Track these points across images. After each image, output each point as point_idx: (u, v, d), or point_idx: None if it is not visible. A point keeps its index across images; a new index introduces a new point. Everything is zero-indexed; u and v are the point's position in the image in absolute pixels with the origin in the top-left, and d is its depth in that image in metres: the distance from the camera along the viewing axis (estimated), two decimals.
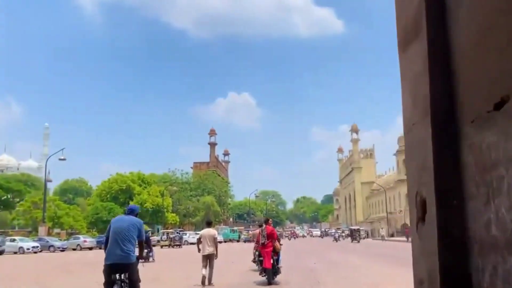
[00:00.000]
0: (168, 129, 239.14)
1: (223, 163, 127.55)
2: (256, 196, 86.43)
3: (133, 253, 7.42)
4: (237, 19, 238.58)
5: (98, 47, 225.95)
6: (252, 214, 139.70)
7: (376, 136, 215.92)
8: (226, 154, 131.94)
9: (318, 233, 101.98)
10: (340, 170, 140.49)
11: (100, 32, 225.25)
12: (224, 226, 77.68)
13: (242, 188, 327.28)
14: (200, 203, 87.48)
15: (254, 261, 15.45)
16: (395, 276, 14.68)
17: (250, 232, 73.85)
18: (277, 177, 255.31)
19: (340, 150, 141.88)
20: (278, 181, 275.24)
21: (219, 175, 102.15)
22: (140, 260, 7.88)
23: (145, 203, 74.88)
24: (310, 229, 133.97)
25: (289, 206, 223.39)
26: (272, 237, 13.39)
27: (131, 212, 8.01)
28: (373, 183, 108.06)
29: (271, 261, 13.10)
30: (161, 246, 49.82)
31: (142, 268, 7.95)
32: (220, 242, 59.38)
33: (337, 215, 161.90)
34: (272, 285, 13.05)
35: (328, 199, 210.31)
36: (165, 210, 77.83)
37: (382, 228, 64.13)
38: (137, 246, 7.77)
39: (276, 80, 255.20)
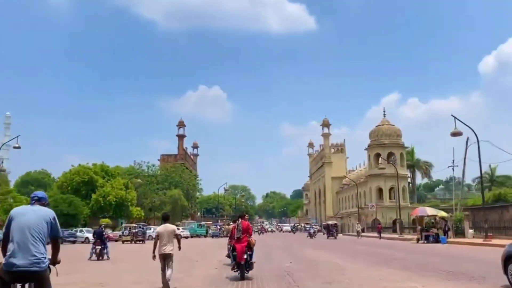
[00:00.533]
0: (136, 122, 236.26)
1: (192, 156, 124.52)
2: (226, 190, 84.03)
3: (45, 258, 5.20)
4: (209, 12, 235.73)
5: (63, 36, 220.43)
6: (221, 208, 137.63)
7: (345, 133, 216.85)
8: (195, 147, 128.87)
9: (289, 228, 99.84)
10: (310, 165, 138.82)
11: (66, 20, 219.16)
12: (191, 221, 74.95)
13: (211, 183, 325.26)
14: (167, 197, 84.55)
15: (228, 256, 15.22)
16: (389, 281, 12.36)
17: (219, 227, 71.86)
18: (246, 172, 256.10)
19: (310, 145, 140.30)
20: (248, 176, 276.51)
21: (187, 168, 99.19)
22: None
23: (108, 196, 71.73)
24: (279, 224, 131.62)
25: (259, 201, 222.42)
26: (247, 231, 13.31)
27: (39, 201, 5.60)
28: (343, 178, 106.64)
29: (245, 256, 12.98)
30: (123, 242, 46.94)
31: (94, 267, 5.43)
32: (187, 237, 57.25)
33: (307, 210, 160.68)
34: (245, 280, 12.86)
35: (298, 194, 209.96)
36: (129, 203, 74.66)
37: (358, 224, 62.28)
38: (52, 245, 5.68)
39: (248, 75, 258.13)
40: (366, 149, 78.92)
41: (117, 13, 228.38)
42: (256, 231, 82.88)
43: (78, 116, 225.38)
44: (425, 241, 35.96)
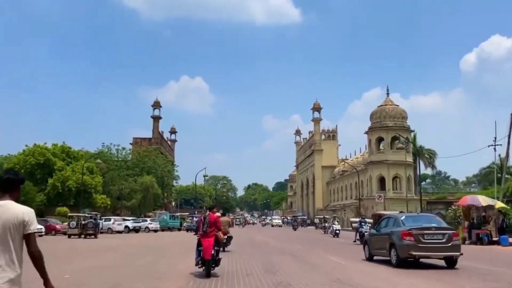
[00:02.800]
0: (113, 110, 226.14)
1: (169, 142, 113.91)
2: (205, 177, 73.84)
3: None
4: (192, 2, 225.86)
5: (43, 23, 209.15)
6: (200, 199, 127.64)
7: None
8: (173, 132, 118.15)
9: (279, 221, 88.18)
10: (297, 154, 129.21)
11: (46, 7, 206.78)
12: (163, 212, 64.61)
13: (191, 174, 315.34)
14: (137, 184, 74.07)
15: (197, 264, 12.91)
16: None
17: (196, 219, 62.05)
18: (228, 164, 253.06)
19: (297, 132, 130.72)
20: (229, 168, 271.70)
21: (162, 153, 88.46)
22: None
23: (68, 181, 61.23)
24: (264, 217, 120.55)
25: (240, 193, 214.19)
26: (215, 225, 12.31)
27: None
28: (335, 167, 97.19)
29: (212, 252, 12.12)
30: (69, 236, 36.62)
31: None
32: (156, 230, 47.28)
33: (291, 203, 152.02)
34: (210, 277, 11.90)
35: (280, 186, 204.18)
36: (93, 190, 64.17)
37: (336, 219, 53.82)
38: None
39: (231, 66, 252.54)
40: (366, 132, 69.25)
41: (99, 0, 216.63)
42: (238, 224, 75.66)
43: (52, 102, 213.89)
44: (477, 242, 26.16)
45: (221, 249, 14.27)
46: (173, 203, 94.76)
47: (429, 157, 77.61)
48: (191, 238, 20.14)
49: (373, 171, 66.14)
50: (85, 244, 29.15)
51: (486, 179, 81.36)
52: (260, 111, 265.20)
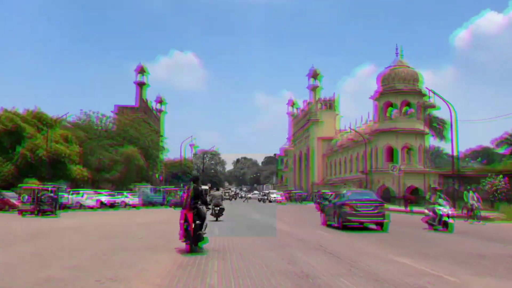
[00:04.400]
0: (98, 81, 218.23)
1: (158, 113, 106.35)
2: (192, 146, 66.52)
3: None
4: None
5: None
6: (188, 173, 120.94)
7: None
8: (160, 101, 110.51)
9: (279, 197, 74.19)
10: (293, 127, 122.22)
11: None
12: (145, 185, 57.56)
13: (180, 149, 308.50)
14: (118, 154, 66.91)
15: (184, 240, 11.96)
16: None
17: (183, 193, 55.61)
18: (218, 140, 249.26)
19: (292, 103, 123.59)
20: (220, 144, 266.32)
21: (147, 122, 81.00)
22: None
23: (38, 149, 53.93)
24: (262, 192, 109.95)
25: (229, 167, 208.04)
26: (199, 198, 11.78)
27: None
28: (333, 140, 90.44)
29: (193, 226, 11.54)
30: (22, 213, 29.48)
31: None
32: (136, 206, 40.30)
33: (283, 177, 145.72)
34: (193, 252, 11.29)
35: (270, 161, 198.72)
36: (68, 160, 56.88)
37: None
38: None
39: (222, 41, 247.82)
40: (374, 98, 62.37)
41: None
42: (227, 198, 70.78)
43: (30, 67, 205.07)
44: None
45: (215, 219, 13.37)
46: (158, 176, 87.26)
47: (438, 126, 71.12)
48: (174, 218, 14.26)
49: (381, 141, 59.48)
50: (31, 224, 22.22)
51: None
52: (251, 86, 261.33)
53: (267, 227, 21.00)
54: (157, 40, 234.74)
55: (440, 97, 30.78)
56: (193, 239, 11.52)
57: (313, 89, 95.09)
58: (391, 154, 59.92)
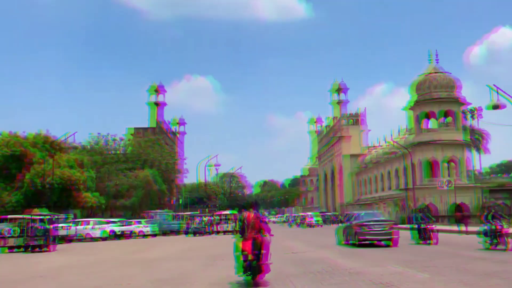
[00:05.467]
0: (116, 108, 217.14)
1: (177, 134, 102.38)
2: (213, 167, 61.55)
3: None
4: (199, 0, 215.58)
5: (47, 23, 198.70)
6: (213, 196, 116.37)
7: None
8: (181, 123, 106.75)
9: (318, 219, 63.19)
10: (313, 144, 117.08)
11: (51, 7, 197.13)
12: (163, 211, 52.81)
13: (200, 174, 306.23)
14: (138, 179, 62.52)
15: None
16: None
17: (200, 219, 50.53)
18: (237, 163, 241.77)
19: (314, 121, 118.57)
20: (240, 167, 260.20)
21: (166, 144, 76.68)
22: None
23: (48, 176, 49.77)
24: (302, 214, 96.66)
25: (256, 190, 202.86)
26: (254, 228, 10.09)
27: None
28: (361, 156, 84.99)
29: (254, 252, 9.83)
30: (7, 249, 24.76)
31: None
32: (154, 234, 35.66)
33: (312, 198, 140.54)
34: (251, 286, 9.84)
35: (296, 182, 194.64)
36: (80, 187, 52.63)
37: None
38: None
39: (239, 65, 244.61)
40: (408, 108, 57.05)
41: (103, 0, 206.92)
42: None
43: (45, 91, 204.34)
44: None
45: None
46: (179, 201, 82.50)
47: (479, 138, 65.48)
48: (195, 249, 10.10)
49: (420, 155, 53.84)
50: (5, 264, 17.54)
51: None
52: (266, 108, 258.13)
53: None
54: (173, 65, 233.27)
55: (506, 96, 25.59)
56: (249, 269, 10.04)
57: (339, 104, 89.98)
58: (431, 168, 54.45)
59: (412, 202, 51.15)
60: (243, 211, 10.62)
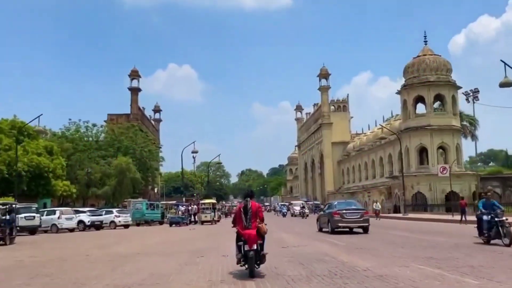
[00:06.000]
0: (93, 96, 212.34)
1: (153, 122, 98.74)
2: (193, 154, 58.54)
3: None
4: None
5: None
6: (191, 186, 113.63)
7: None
8: (157, 110, 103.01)
9: (298, 208, 57.07)
10: (298, 132, 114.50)
11: None
12: (139, 200, 49.51)
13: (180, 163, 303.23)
14: (111, 167, 58.97)
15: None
16: None
17: (184, 208, 47.40)
18: (218, 152, 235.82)
19: (298, 108, 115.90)
20: (220, 157, 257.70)
21: (142, 131, 72.99)
22: None
23: (17, 163, 46.06)
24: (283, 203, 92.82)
25: (233, 180, 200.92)
26: (257, 216, 9.87)
27: None
28: (347, 143, 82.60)
29: (255, 244, 9.39)
30: None
31: None
32: (127, 225, 32.66)
33: (291, 187, 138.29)
34: (255, 278, 9.01)
35: (275, 172, 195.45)
36: (51, 175, 49.09)
37: (375, 202, 41.52)
38: None
39: (221, 54, 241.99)
40: (398, 92, 54.55)
41: None
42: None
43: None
44: None
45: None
46: (155, 189, 78.99)
47: (469, 125, 63.23)
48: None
49: (411, 141, 51.36)
50: None
51: None
52: (249, 98, 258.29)
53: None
54: (154, 54, 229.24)
55: None
56: (255, 259, 9.39)
57: (324, 90, 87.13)
58: (421, 155, 52.13)
59: (400, 190, 48.72)
60: (248, 200, 10.03)
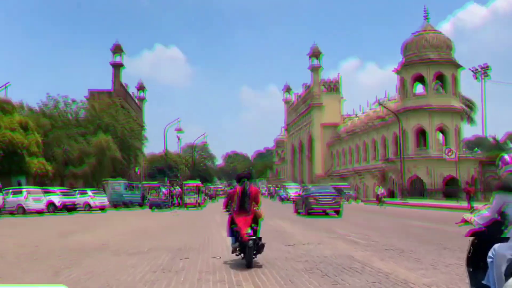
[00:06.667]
0: (78, 75, 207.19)
1: (137, 100, 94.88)
2: (178, 132, 54.74)
3: None
4: None
5: None
6: (175, 167, 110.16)
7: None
8: (140, 88, 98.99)
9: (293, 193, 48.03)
10: (288, 114, 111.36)
11: None
12: (117, 181, 46.22)
13: (168, 144, 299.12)
14: (91, 146, 55.52)
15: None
16: None
17: (166, 190, 44.08)
18: (205, 134, 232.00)
19: (288, 89, 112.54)
20: (207, 139, 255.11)
21: (123, 108, 69.25)
22: None
23: None
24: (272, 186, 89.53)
25: (219, 162, 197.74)
26: (255, 200, 9.06)
27: None
28: (338, 126, 79.70)
29: (251, 233, 8.62)
30: None
31: None
32: (103, 207, 29.63)
33: (277, 171, 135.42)
34: (252, 268, 8.31)
35: (261, 156, 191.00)
36: (25, 151, 45.83)
37: (379, 186, 38.20)
38: None
39: (207, 35, 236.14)
40: (395, 70, 51.61)
41: None
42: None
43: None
44: None
45: None
46: (137, 170, 75.43)
47: (468, 108, 60.58)
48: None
49: (409, 122, 48.52)
50: None
51: None
52: (237, 81, 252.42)
53: None
54: (141, 34, 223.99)
55: None
56: (252, 249, 8.58)
57: (315, 70, 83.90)
58: (418, 138, 49.42)
59: (396, 174, 46.01)
60: (246, 182, 9.15)
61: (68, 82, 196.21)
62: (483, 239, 4.49)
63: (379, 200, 36.16)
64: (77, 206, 32.86)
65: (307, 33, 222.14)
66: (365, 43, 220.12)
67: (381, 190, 37.46)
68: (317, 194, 24.31)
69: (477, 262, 4.52)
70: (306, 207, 24.39)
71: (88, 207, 33.56)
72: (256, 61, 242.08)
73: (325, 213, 24.14)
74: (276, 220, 20.82)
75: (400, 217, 23.12)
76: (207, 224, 20.06)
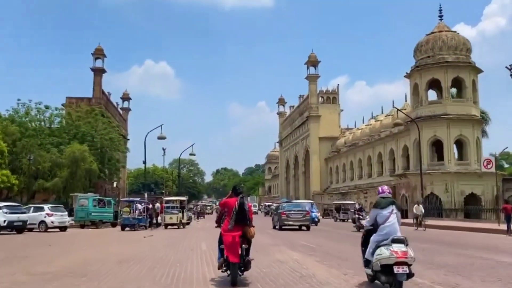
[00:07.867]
0: (58, 82, 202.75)
1: (121, 111, 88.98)
2: (160, 138, 48.45)
3: None
4: None
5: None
6: (161, 184, 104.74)
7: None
8: (125, 98, 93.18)
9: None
10: (280, 128, 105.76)
11: None
12: (86, 195, 39.92)
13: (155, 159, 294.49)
14: (64, 156, 49.43)
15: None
16: None
17: (143, 206, 37.81)
18: (194, 150, 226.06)
19: (281, 101, 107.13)
20: (196, 155, 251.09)
21: (104, 116, 63.00)
22: None
23: None
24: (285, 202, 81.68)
25: (208, 178, 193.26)
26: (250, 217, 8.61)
27: None
28: (336, 139, 74.12)
29: (239, 252, 8.07)
30: None
31: None
32: (64, 227, 23.83)
33: (269, 187, 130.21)
34: (237, 286, 8.00)
35: (250, 172, 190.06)
36: None
37: (418, 204, 31.82)
38: None
39: (197, 51, 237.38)
40: (407, 75, 46.12)
41: None
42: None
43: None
44: None
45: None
46: (114, 183, 68.85)
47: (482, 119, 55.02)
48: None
49: (423, 132, 42.60)
50: None
51: None
52: (226, 97, 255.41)
53: None
54: (131, 50, 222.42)
55: None
56: (238, 267, 8.11)
57: (312, 79, 78.45)
58: (437, 148, 43.88)
59: (409, 192, 40.18)
60: (243, 197, 8.53)
61: (43, 87, 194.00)
62: (369, 233, 7.81)
63: (418, 222, 27.86)
64: (31, 224, 26.65)
65: (298, 49, 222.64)
66: (354, 61, 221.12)
67: (421, 210, 28.24)
68: (289, 211, 27.33)
69: (366, 244, 7.85)
70: (279, 222, 27.40)
71: (44, 226, 27.29)
72: (246, 77, 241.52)
73: (299, 228, 26.81)
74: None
75: (441, 244, 17.31)
76: (185, 250, 14.21)
